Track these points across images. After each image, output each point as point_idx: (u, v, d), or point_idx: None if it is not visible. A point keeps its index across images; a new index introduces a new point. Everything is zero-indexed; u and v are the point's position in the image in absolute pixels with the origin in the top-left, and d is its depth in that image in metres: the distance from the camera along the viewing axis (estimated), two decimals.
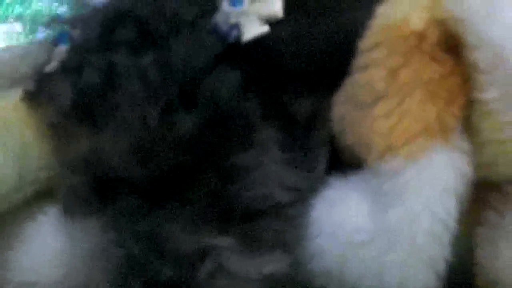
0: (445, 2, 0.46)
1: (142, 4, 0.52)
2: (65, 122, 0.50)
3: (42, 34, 0.59)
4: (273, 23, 0.49)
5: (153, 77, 0.48)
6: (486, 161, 0.45)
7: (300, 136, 0.49)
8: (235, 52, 0.49)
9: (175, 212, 0.46)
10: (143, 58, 0.49)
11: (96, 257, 0.46)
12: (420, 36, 0.46)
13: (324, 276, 0.46)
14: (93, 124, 0.48)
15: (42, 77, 0.53)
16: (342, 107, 0.49)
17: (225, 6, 0.51)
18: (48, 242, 0.49)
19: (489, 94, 0.44)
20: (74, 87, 0.50)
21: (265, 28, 0.49)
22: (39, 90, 0.53)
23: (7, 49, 0.77)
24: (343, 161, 0.49)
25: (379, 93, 0.46)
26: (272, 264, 0.46)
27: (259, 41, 0.49)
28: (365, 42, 0.48)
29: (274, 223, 0.46)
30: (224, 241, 0.45)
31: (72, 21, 0.56)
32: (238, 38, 0.49)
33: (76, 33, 0.54)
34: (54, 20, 0.57)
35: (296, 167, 0.48)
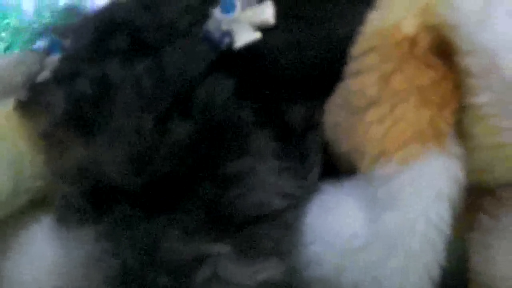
0: (437, 8, 0.46)
1: (135, 13, 0.52)
2: (58, 132, 0.50)
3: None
4: (267, 31, 0.49)
5: (147, 86, 0.48)
6: (479, 166, 0.45)
7: (295, 142, 0.49)
8: (230, 60, 0.49)
9: (170, 221, 0.45)
10: (136, 67, 0.49)
11: (91, 267, 0.46)
12: (412, 42, 0.46)
13: (320, 283, 0.46)
14: (87, 133, 0.48)
15: (35, 87, 0.53)
16: (335, 113, 0.49)
17: (217, 13, 0.51)
18: (43, 251, 0.49)
19: (482, 98, 0.44)
20: (67, 97, 0.50)
21: (257, 35, 0.50)
22: (31, 99, 0.52)
23: None
24: (337, 167, 0.49)
25: (372, 99, 0.46)
26: (267, 271, 0.46)
27: (253, 49, 0.49)
28: (357, 47, 0.48)
29: (270, 230, 0.46)
30: (220, 248, 0.45)
31: (64, 30, 0.56)
32: (230, 45, 0.49)
33: (68, 42, 0.54)
34: (46, 30, 0.57)
35: (291, 174, 0.48)
